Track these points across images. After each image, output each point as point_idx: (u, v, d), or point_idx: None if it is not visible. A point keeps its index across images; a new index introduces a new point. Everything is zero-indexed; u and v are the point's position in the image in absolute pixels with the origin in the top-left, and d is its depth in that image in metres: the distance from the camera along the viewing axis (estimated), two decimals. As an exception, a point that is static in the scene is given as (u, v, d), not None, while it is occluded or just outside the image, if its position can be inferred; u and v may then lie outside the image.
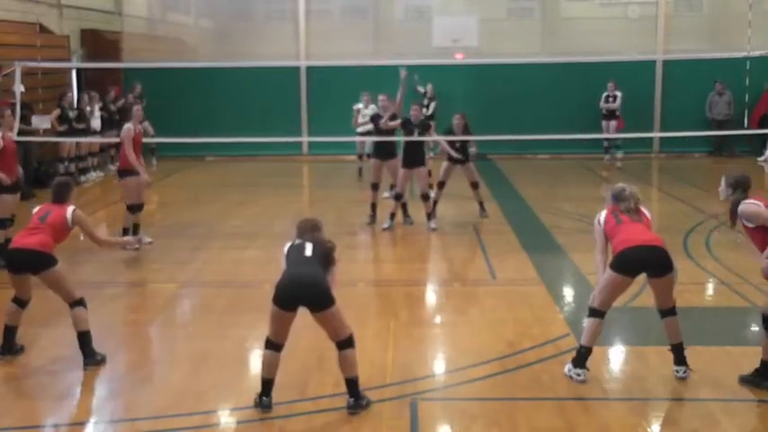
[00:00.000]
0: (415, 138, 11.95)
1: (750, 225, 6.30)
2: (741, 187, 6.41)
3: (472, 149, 12.63)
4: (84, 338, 6.97)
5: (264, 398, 6.02)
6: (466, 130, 12.47)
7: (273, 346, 6.00)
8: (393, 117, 12.13)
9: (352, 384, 6.02)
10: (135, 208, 11.06)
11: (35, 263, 6.89)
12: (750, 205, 6.27)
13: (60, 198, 7.29)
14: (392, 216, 12.11)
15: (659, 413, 6.08)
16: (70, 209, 7.21)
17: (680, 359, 6.55)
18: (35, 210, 7.30)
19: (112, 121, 18.10)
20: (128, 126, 11.05)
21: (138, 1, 22.59)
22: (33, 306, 7.33)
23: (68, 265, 10.21)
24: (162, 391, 6.47)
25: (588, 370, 6.50)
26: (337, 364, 6.04)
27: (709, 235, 11.48)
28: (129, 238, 8.69)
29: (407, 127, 12.05)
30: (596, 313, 6.51)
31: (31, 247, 6.89)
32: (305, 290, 5.83)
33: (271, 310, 5.93)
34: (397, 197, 12.12)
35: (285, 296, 5.84)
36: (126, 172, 10.99)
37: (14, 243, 7.10)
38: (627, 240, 6.44)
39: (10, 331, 7.12)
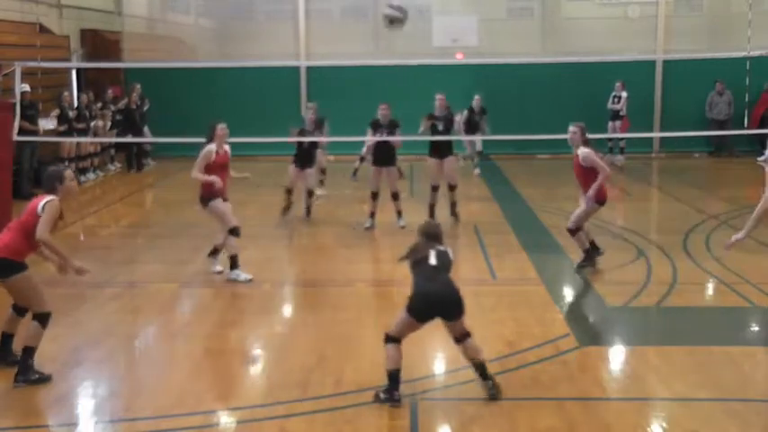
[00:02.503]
0: (384, 138, 12.00)
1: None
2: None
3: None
4: (27, 353, 6.48)
5: (395, 392, 6.08)
6: (393, 129, 12.17)
7: (395, 340, 6.19)
8: (393, 126, 12.11)
9: (482, 368, 6.19)
10: (236, 231, 9.59)
11: None
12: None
13: (46, 187, 6.58)
14: (372, 215, 12.24)
15: (659, 413, 6.08)
16: (46, 199, 6.47)
17: None
18: None
19: (113, 122, 18.14)
20: (209, 147, 9.51)
21: (138, 1, 22.59)
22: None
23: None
24: (162, 391, 6.46)
25: None
26: (462, 354, 6.30)
27: (709, 235, 11.48)
28: (77, 264, 6.80)
29: (377, 128, 12.11)
30: None
31: None
32: (446, 307, 6.14)
33: (404, 317, 6.14)
34: (374, 196, 12.22)
35: (428, 313, 6.13)
36: (207, 198, 9.50)
37: None
38: None
39: (5, 339, 6.84)
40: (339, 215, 13.35)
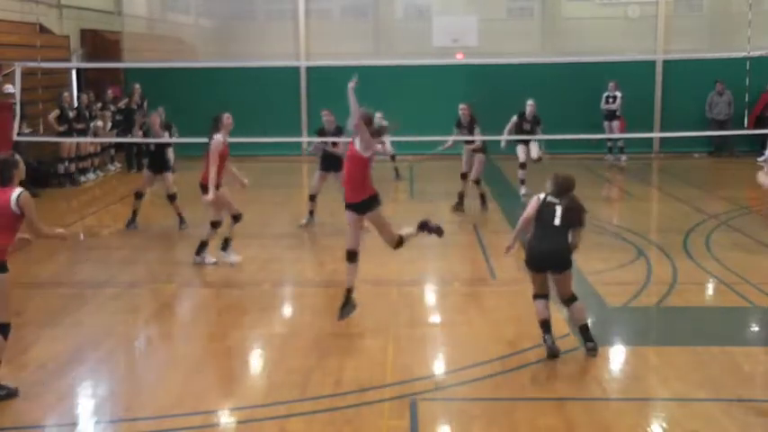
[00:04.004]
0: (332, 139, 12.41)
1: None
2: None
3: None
4: None
5: (546, 336, 7.03)
6: (339, 135, 12.51)
7: (538, 296, 7.13)
8: (338, 131, 12.45)
9: (586, 330, 7.03)
10: (217, 224, 10.24)
11: None
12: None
13: (6, 176, 6.23)
14: (311, 213, 12.61)
15: (659, 413, 6.08)
16: (16, 192, 6.17)
17: None
18: None
19: (113, 122, 18.14)
20: (218, 137, 9.90)
21: (138, 1, 22.60)
22: (32, 307, 7.31)
23: (68, 264, 10.30)
24: (162, 391, 6.46)
25: None
26: (569, 317, 7.22)
27: (709, 235, 11.49)
28: (62, 231, 7.04)
29: (322, 135, 12.55)
30: None
31: None
32: (552, 261, 6.98)
33: (527, 270, 7.18)
34: (312, 198, 12.54)
35: (536, 264, 7.07)
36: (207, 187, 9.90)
37: None
38: None
39: None
40: (340, 216, 13.31)
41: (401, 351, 7.23)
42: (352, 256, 8.08)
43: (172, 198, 12.39)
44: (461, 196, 13.63)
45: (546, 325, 7.07)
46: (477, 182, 13.57)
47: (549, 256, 6.96)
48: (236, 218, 10.31)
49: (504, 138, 14.93)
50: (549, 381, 6.52)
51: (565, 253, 6.95)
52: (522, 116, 15.08)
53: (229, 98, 20.20)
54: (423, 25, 21.02)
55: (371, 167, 7.96)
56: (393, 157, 16.97)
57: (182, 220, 12.38)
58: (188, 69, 18.72)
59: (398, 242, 8.28)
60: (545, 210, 6.99)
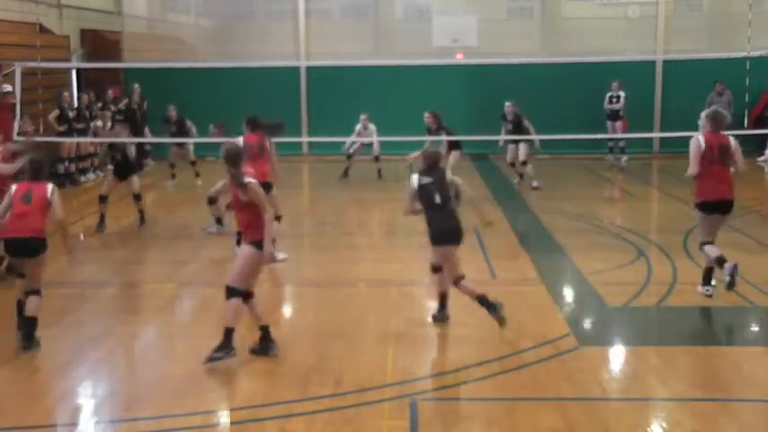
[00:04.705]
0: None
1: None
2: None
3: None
4: (33, 323, 7.24)
5: (443, 311, 7.82)
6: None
7: (439, 269, 7.65)
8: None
9: (485, 300, 7.49)
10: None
11: (33, 248, 7.20)
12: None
13: (38, 176, 7.46)
14: (218, 220, 11.73)
15: (659, 413, 6.08)
16: (50, 186, 7.42)
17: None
18: (13, 189, 7.39)
19: (113, 122, 18.12)
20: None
21: (138, 1, 22.60)
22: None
23: (68, 264, 10.28)
24: (162, 391, 6.46)
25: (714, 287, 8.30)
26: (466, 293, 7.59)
27: (709, 235, 11.46)
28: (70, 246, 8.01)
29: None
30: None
31: (29, 235, 7.16)
32: (457, 235, 7.53)
33: (434, 249, 7.60)
34: (211, 201, 11.39)
35: (444, 241, 7.52)
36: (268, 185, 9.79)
37: (9, 231, 7.25)
38: None
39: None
40: (341, 216, 13.32)
41: (401, 351, 7.23)
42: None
43: (137, 198, 12.53)
44: None
45: (440, 298, 7.81)
46: None
47: (455, 230, 7.51)
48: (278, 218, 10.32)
49: (501, 138, 15.59)
50: (549, 381, 6.52)
51: (460, 226, 7.59)
52: (503, 118, 15.61)
53: (229, 98, 20.29)
54: (423, 25, 21.03)
55: None
56: (377, 158, 16.98)
57: (142, 220, 12.53)
58: (188, 69, 18.72)
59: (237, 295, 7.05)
60: (424, 191, 7.52)
